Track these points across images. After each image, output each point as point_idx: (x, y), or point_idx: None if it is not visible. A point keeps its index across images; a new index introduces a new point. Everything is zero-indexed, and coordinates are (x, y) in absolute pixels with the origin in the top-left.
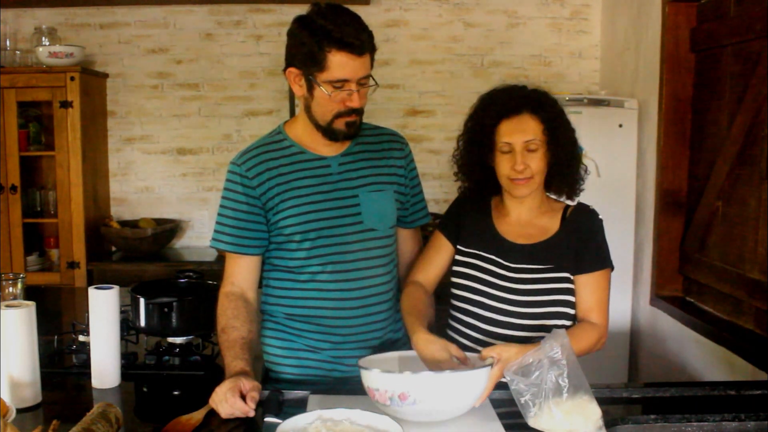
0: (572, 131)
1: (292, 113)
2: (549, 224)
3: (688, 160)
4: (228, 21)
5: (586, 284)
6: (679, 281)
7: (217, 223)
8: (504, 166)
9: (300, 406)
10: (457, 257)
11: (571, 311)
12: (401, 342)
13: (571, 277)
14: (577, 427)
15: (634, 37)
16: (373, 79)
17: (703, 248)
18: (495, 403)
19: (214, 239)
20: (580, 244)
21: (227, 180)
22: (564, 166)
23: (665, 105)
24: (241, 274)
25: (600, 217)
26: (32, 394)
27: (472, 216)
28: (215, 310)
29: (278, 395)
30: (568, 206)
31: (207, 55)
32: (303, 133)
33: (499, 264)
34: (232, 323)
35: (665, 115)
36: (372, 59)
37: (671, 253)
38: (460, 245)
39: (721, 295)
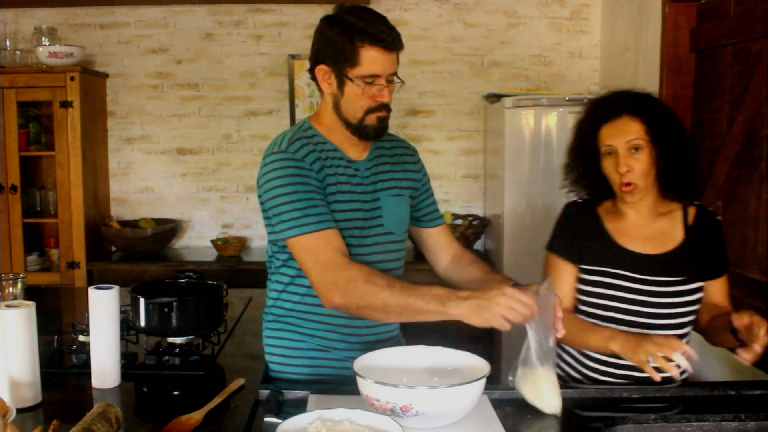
0: (681, 130)
1: (292, 113)
2: (671, 230)
3: None
4: (228, 21)
5: (719, 287)
6: None
7: (288, 212)
8: (611, 171)
9: (300, 406)
10: (582, 276)
11: (694, 316)
12: (398, 340)
13: (702, 285)
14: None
15: (634, 37)
16: (399, 77)
17: None
18: (495, 402)
19: (293, 227)
20: (710, 252)
21: (282, 168)
22: (675, 165)
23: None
24: (340, 242)
25: (719, 218)
26: (32, 394)
27: (585, 230)
28: (218, 309)
29: (278, 395)
30: (685, 208)
31: (207, 55)
32: (330, 132)
33: (629, 278)
34: (379, 279)
35: None
36: (398, 58)
37: None
38: (584, 264)
39: None
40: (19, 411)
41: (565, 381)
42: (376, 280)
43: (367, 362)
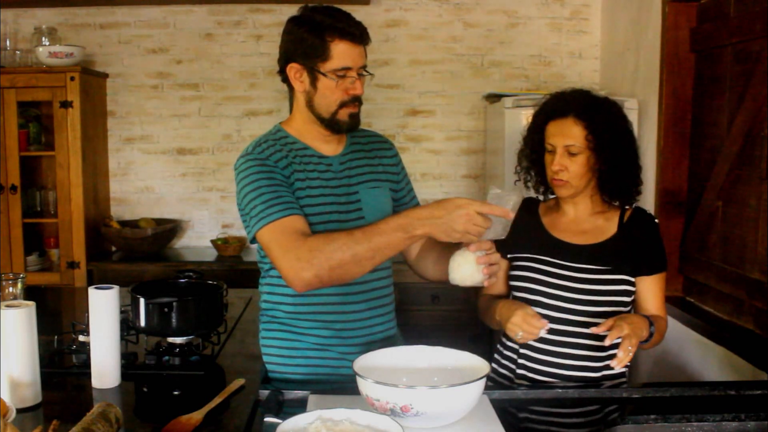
0: (627, 138)
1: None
2: (605, 225)
3: (688, 160)
4: (228, 21)
5: (650, 286)
6: (680, 281)
7: (254, 207)
8: (548, 166)
9: (300, 406)
10: (512, 264)
11: (625, 310)
12: (395, 339)
13: (630, 279)
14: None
15: (634, 37)
16: (368, 71)
17: (703, 248)
18: (495, 403)
19: (259, 220)
20: (641, 248)
21: (249, 167)
22: (614, 172)
23: (665, 105)
24: (302, 224)
25: (656, 221)
26: (32, 394)
27: (521, 224)
28: (218, 309)
29: (278, 395)
30: (625, 209)
31: (207, 55)
32: (301, 132)
33: (555, 264)
34: (339, 236)
35: (665, 115)
36: (366, 52)
37: (671, 254)
38: (511, 254)
39: (722, 295)
40: (19, 411)
41: (508, 381)
42: (336, 237)
43: (367, 362)
